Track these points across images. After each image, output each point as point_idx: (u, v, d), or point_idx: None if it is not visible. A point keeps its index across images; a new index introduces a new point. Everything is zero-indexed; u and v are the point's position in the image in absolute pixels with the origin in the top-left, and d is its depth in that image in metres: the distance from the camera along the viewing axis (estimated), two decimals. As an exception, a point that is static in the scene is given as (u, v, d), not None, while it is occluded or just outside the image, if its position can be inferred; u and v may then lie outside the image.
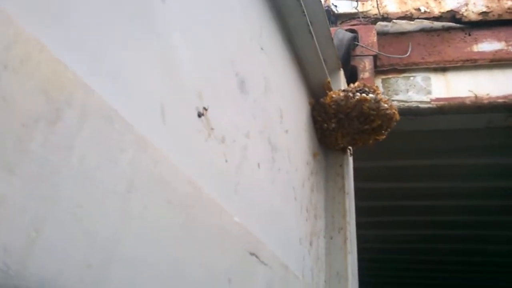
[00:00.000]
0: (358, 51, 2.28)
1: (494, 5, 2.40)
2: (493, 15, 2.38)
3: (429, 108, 2.17)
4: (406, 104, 2.20)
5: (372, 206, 3.36)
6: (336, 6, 2.56)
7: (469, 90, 2.17)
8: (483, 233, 3.78)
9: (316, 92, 1.61)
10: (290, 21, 1.31)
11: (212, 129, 0.78)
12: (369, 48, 2.25)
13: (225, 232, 0.65)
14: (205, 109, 0.76)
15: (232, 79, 0.91)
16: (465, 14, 2.41)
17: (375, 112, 1.51)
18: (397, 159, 2.80)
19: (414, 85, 2.25)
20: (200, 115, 0.75)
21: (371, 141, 1.66)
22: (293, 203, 1.24)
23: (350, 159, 1.80)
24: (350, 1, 2.59)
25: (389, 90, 2.26)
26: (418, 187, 3.10)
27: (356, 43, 2.22)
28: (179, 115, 0.68)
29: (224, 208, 0.69)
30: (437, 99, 2.19)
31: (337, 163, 1.69)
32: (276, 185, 1.11)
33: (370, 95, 1.50)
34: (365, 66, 2.21)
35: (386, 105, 1.53)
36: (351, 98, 1.49)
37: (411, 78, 2.28)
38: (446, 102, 2.17)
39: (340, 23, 2.53)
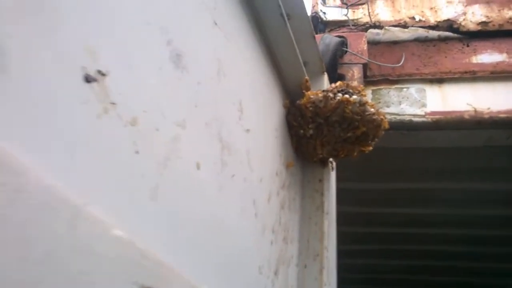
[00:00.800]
0: (346, 59, 2.08)
1: (494, 15, 2.22)
2: (493, 25, 2.20)
3: (423, 122, 1.96)
4: (398, 118, 1.98)
5: (359, 232, 3.10)
6: (325, 13, 2.37)
7: (468, 104, 1.96)
8: (480, 265, 3.51)
9: (292, 93, 1.39)
10: (257, 1, 1.10)
11: (112, 103, 0.55)
12: (358, 55, 2.05)
13: (90, 253, 0.41)
14: (100, 73, 0.53)
15: (161, 46, 0.68)
16: (463, 24, 2.23)
17: (359, 117, 1.28)
18: (388, 181, 2.56)
19: (408, 97, 2.03)
20: (88, 79, 0.52)
21: (355, 153, 1.43)
22: (252, 220, 1.00)
23: (332, 174, 1.56)
24: (340, 8, 2.41)
25: (379, 102, 2.04)
26: (410, 213, 2.85)
27: (345, 49, 2.02)
28: (45, 70, 0.45)
29: (94, 216, 0.45)
30: (433, 113, 1.97)
31: (316, 177, 1.45)
32: (226, 194, 0.87)
33: (354, 96, 1.27)
34: (354, 74, 2.00)
35: (372, 109, 1.30)
36: (331, 99, 1.26)
37: (404, 89, 2.07)
38: (442, 116, 1.95)
39: (329, 31, 2.34)
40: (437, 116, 1.96)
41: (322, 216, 1.37)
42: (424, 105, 2.00)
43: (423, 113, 1.98)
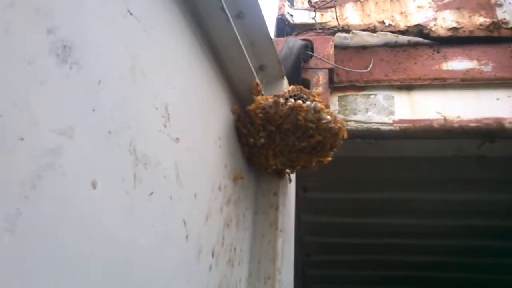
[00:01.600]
0: (312, 63, 1.97)
1: (465, 21, 2.15)
2: (464, 31, 2.13)
3: (391, 130, 1.85)
4: (365, 126, 1.88)
5: (329, 242, 2.99)
6: (292, 15, 2.26)
7: (437, 112, 1.87)
8: (452, 275, 3.43)
9: (244, 98, 1.26)
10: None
11: None
12: (324, 60, 1.94)
13: None
14: None
15: (36, 34, 0.54)
16: (433, 29, 2.15)
17: (314, 125, 1.16)
18: (357, 191, 2.45)
19: (375, 104, 1.93)
20: None
21: (313, 164, 1.31)
22: (181, 245, 0.86)
23: (290, 186, 1.44)
24: (308, 11, 2.30)
25: (346, 109, 1.93)
26: (381, 223, 2.75)
27: (310, 53, 1.91)
28: None
29: None
30: (401, 121, 1.87)
31: (271, 190, 1.32)
32: (139, 217, 0.73)
33: (308, 102, 1.15)
34: (319, 80, 1.89)
35: (329, 116, 1.18)
36: (282, 105, 1.14)
37: (372, 96, 1.97)
38: (410, 124, 1.86)
39: (296, 35, 2.23)
40: (405, 125, 1.86)
41: (276, 234, 1.24)
42: (392, 113, 1.90)
43: (391, 121, 1.88)
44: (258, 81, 1.23)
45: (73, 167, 0.58)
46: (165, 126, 0.83)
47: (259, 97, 1.18)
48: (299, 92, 1.17)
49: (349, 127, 1.87)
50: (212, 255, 0.99)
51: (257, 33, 1.37)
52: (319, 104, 1.16)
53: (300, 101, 1.15)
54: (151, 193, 0.77)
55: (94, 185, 0.62)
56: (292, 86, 1.20)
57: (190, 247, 0.89)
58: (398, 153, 1.99)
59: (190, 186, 0.91)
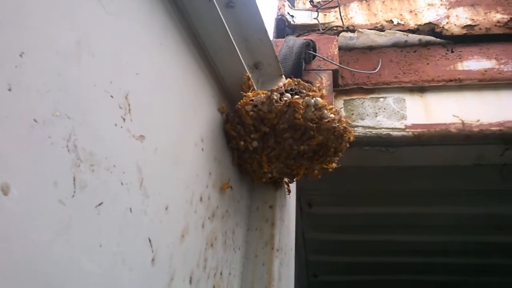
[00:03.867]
0: (315, 65, 1.80)
1: (480, 18, 1.98)
2: (480, 29, 1.95)
3: (403, 136, 1.67)
4: (374, 131, 1.69)
5: (339, 262, 2.77)
6: (292, 16, 2.11)
7: (454, 115, 1.68)
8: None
9: (233, 96, 1.09)
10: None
11: None
12: (328, 60, 1.77)
13: None
14: None
15: None
16: (446, 27, 1.98)
17: (314, 125, 0.98)
18: (365, 205, 2.25)
19: (385, 108, 1.75)
20: None
21: (316, 171, 1.13)
22: (145, 269, 0.67)
23: (289, 198, 1.25)
24: (310, 12, 2.15)
25: (352, 114, 1.76)
26: (391, 240, 2.53)
27: (311, 52, 1.75)
28: None
29: None
30: (414, 126, 1.69)
31: (266, 202, 1.14)
32: (83, 234, 0.55)
33: (307, 98, 0.98)
34: (322, 82, 1.72)
35: (332, 115, 1.01)
36: (276, 101, 0.96)
37: (381, 99, 1.79)
38: (425, 130, 1.67)
39: (297, 36, 2.07)
40: (419, 130, 1.68)
41: (271, 254, 1.05)
42: (403, 117, 1.72)
43: (402, 126, 1.69)
44: (249, 74, 1.06)
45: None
46: (123, 119, 0.66)
47: (249, 93, 1.00)
48: (296, 86, 1.00)
49: (357, 133, 1.69)
50: (190, 281, 0.81)
51: (250, 26, 1.21)
52: (320, 100, 0.99)
53: (298, 96, 0.97)
54: (100, 204, 0.59)
55: (4, 191, 0.45)
56: (288, 80, 1.02)
57: (157, 273, 0.71)
58: (412, 161, 1.80)
59: (159, 196, 0.73)
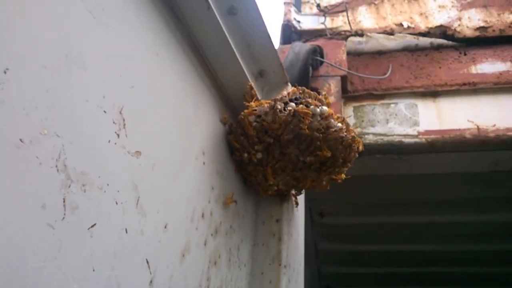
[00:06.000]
0: (322, 71, 1.76)
1: (493, 20, 1.92)
2: (494, 31, 1.89)
3: (416, 143, 1.61)
4: (386, 139, 1.64)
5: (354, 273, 2.70)
6: (299, 21, 2.08)
7: (469, 120, 1.62)
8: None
9: (235, 106, 1.06)
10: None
11: None
12: (336, 66, 1.73)
13: None
14: None
15: None
16: (458, 29, 1.92)
17: (320, 135, 0.94)
18: (378, 215, 2.19)
19: (396, 114, 1.70)
20: None
21: (324, 183, 1.08)
22: (140, 294, 0.64)
23: (297, 211, 1.21)
24: (317, 17, 2.12)
25: (363, 121, 1.71)
26: (409, 250, 2.46)
27: (319, 58, 1.71)
28: None
29: None
30: (427, 132, 1.63)
31: (272, 216, 1.10)
32: (75, 257, 0.52)
33: (313, 107, 0.94)
34: (330, 88, 1.68)
35: (339, 124, 0.96)
36: (280, 110, 0.93)
37: (392, 105, 1.74)
38: (439, 136, 1.61)
39: (304, 42, 2.03)
40: (432, 136, 1.62)
41: (279, 271, 1.01)
42: (416, 123, 1.66)
43: (415, 133, 1.64)
44: (251, 84, 1.03)
45: None
46: (118, 135, 0.63)
47: (252, 103, 0.97)
48: (301, 94, 0.96)
49: (368, 141, 1.64)
50: (192, 303, 0.77)
51: (253, 33, 1.17)
52: (326, 109, 0.95)
53: (302, 106, 0.93)
54: (93, 225, 0.56)
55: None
56: (293, 88, 0.99)
57: (156, 297, 0.67)
58: (426, 169, 1.74)
59: (157, 215, 0.70)
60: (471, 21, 1.94)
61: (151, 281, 0.66)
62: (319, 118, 0.94)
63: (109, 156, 0.61)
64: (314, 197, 2.12)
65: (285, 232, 1.07)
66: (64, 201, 0.52)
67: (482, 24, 1.91)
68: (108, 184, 0.60)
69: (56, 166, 0.52)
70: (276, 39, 1.99)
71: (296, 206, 1.17)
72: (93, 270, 0.55)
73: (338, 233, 2.40)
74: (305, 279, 1.27)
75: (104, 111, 0.61)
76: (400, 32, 1.94)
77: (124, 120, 0.65)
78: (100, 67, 0.62)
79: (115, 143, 0.62)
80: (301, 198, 1.23)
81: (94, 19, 0.62)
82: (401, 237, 2.36)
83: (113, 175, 0.61)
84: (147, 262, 0.66)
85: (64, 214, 0.52)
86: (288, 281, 1.01)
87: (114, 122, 0.63)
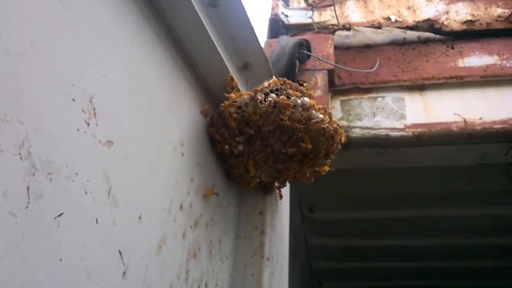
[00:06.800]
0: (309, 65, 1.76)
1: (480, 13, 1.92)
2: (481, 25, 1.89)
3: (402, 136, 1.61)
4: (373, 132, 1.64)
5: (345, 268, 2.70)
6: (287, 16, 2.07)
7: (456, 114, 1.62)
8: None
9: (217, 98, 1.04)
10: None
11: None
12: (323, 60, 1.72)
13: None
14: None
15: None
16: (446, 23, 1.92)
17: (302, 126, 0.93)
18: (366, 209, 2.19)
19: (383, 108, 1.70)
20: None
21: (308, 175, 1.07)
22: (115, 284, 0.63)
23: (282, 204, 1.20)
24: (304, 11, 2.11)
25: (350, 115, 1.70)
26: (399, 244, 2.46)
27: (306, 52, 1.70)
28: None
29: None
30: (414, 125, 1.63)
31: (255, 209, 1.09)
32: (40, 248, 0.51)
33: (294, 98, 0.93)
34: (317, 82, 1.67)
35: (321, 115, 0.96)
36: (260, 101, 0.92)
37: (379, 99, 1.73)
38: (425, 129, 1.61)
39: (291, 36, 2.02)
40: (419, 129, 1.62)
41: (261, 263, 1.00)
42: (403, 117, 1.66)
43: (402, 126, 1.64)
44: (232, 75, 1.02)
45: None
46: (87, 124, 0.62)
47: (232, 94, 0.96)
48: (282, 85, 0.95)
49: (354, 135, 1.64)
50: (169, 296, 0.76)
51: (236, 25, 1.16)
52: (308, 100, 0.94)
53: (283, 97, 0.92)
54: (59, 214, 0.55)
55: None
56: (274, 79, 0.98)
57: (129, 286, 0.66)
58: (412, 163, 1.74)
59: (130, 205, 0.69)
60: (459, 14, 1.94)
61: (124, 272, 0.65)
62: (300, 109, 0.93)
63: (78, 145, 0.60)
64: (303, 191, 2.11)
65: (268, 225, 1.06)
66: (28, 189, 0.51)
67: (469, 18, 1.91)
68: (76, 174, 0.58)
69: (20, 154, 0.50)
70: (263, 33, 1.98)
71: (280, 199, 1.16)
72: (60, 260, 0.54)
73: (328, 228, 2.40)
74: (296, 275, 1.26)
75: (73, 99, 0.60)
76: (387, 26, 1.94)
77: (94, 109, 0.64)
78: (69, 55, 0.60)
79: (85, 132, 0.61)
80: (286, 191, 1.23)
81: (63, 6, 0.61)
82: (391, 231, 2.37)
83: (82, 164, 0.60)
84: (120, 253, 0.65)
85: (28, 203, 0.51)
86: (271, 273, 1.01)
87: (83, 111, 0.62)
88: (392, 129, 1.64)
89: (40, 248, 0.52)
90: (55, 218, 0.54)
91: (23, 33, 0.53)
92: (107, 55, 0.69)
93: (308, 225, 2.39)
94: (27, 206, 0.51)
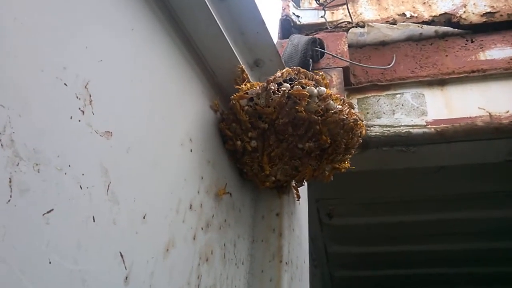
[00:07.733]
0: (323, 63, 1.69)
1: (500, 4, 1.84)
2: (501, 16, 1.80)
3: (425, 133, 1.52)
4: (393, 130, 1.55)
5: (367, 276, 2.58)
6: (298, 16, 2.01)
7: (480, 108, 1.53)
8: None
9: (227, 92, 0.98)
10: None
11: None
12: (338, 57, 1.65)
13: None
14: None
15: None
16: (463, 16, 1.84)
17: (319, 118, 0.86)
18: (391, 213, 2.09)
19: (402, 105, 1.61)
20: None
21: (327, 172, 1.00)
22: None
23: (299, 204, 1.12)
24: (316, 11, 2.05)
25: (368, 113, 1.62)
26: (423, 250, 2.34)
27: (319, 49, 1.63)
28: None
29: None
30: (436, 121, 1.54)
31: (272, 210, 1.01)
32: (25, 248, 0.44)
33: (309, 87, 0.86)
34: (332, 80, 1.60)
35: (339, 105, 0.88)
36: (273, 92, 0.85)
37: (398, 96, 1.65)
38: (449, 125, 1.52)
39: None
40: (442, 125, 1.53)
41: (280, 268, 0.92)
42: (424, 113, 1.57)
43: (423, 123, 1.55)
44: (242, 66, 0.95)
45: None
46: (82, 112, 0.56)
47: (243, 86, 0.89)
48: (296, 75, 0.88)
49: (373, 133, 1.55)
50: (177, 306, 0.68)
51: (246, 19, 1.10)
52: (325, 89, 0.87)
53: (298, 86, 0.85)
54: (49, 211, 0.49)
55: None
56: (287, 68, 0.91)
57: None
58: (435, 161, 1.64)
59: (133, 203, 0.62)
60: (477, 7, 1.86)
61: (126, 277, 0.58)
62: (317, 100, 0.86)
63: (71, 134, 0.54)
64: (320, 197, 2.03)
65: (285, 227, 0.98)
66: (10, 181, 0.45)
67: (488, 10, 1.83)
68: (69, 166, 0.52)
69: (0, 141, 0.44)
70: (274, 35, 1.92)
71: (298, 199, 1.09)
72: (50, 263, 0.48)
73: (348, 234, 2.30)
74: (316, 284, 1.17)
75: (65, 84, 0.54)
76: (403, 22, 1.86)
77: (90, 96, 0.58)
78: (60, 35, 0.55)
79: (79, 120, 0.55)
80: (303, 191, 1.15)
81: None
82: (415, 237, 2.25)
83: (76, 155, 0.54)
84: (121, 255, 0.58)
85: (10, 196, 0.44)
86: (290, 278, 0.93)
87: (77, 97, 0.56)
88: (413, 126, 1.55)
89: (25, 249, 0.45)
90: (43, 214, 0.48)
91: (5, 8, 0.48)
92: (103, 39, 0.63)
93: (327, 232, 2.29)
94: (9, 200, 0.44)
